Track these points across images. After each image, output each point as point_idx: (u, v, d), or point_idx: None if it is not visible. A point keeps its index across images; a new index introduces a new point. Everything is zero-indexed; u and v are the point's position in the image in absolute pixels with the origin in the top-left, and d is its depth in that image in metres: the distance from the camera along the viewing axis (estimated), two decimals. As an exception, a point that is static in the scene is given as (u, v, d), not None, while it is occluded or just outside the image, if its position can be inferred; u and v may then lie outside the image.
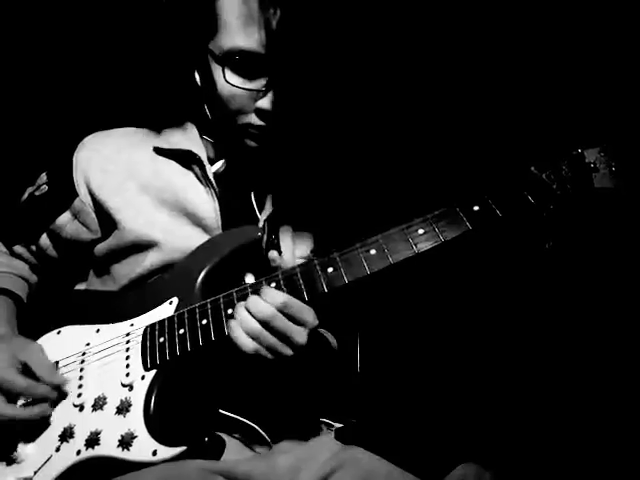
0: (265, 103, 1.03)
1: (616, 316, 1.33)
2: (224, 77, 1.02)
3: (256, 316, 0.89)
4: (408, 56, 1.56)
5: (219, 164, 1.19)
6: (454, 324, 1.55)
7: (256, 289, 0.96)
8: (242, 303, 0.92)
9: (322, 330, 1.22)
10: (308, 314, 0.91)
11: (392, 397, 1.52)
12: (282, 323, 0.89)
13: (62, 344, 1.08)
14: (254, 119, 1.06)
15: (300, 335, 0.90)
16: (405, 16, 1.53)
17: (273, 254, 1.03)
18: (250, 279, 1.10)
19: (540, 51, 1.42)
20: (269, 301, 0.89)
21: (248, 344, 0.89)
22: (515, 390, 1.42)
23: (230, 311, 0.96)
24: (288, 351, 0.90)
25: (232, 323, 0.91)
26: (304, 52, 1.00)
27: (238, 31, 0.99)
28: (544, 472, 1.23)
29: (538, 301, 1.43)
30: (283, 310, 0.89)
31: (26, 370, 0.99)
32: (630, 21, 1.29)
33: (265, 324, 0.88)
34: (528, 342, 1.44)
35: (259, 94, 1.03)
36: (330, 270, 0.95)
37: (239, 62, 1.01)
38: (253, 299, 0.90)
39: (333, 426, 1.11)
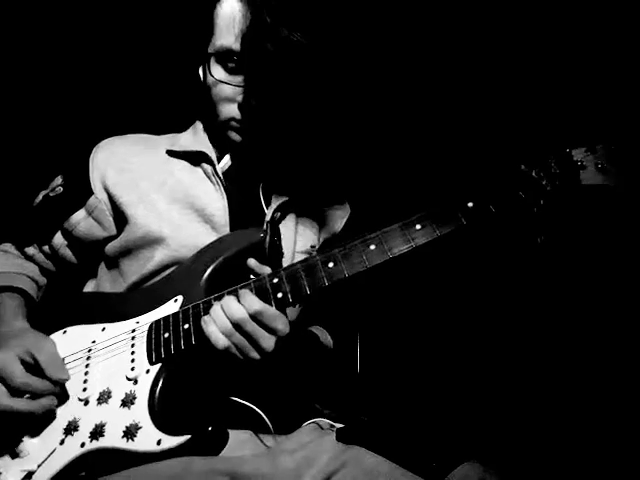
0: (244, 98, 1.13)
1: (609, 309, 1.35)
2: (210, 71, 1.15)
3: (229, 317, 0.94)
4: (398, 53, 1.63)
5: (226, 159, 1.25)
6: (453, 322, 1.56)
7: (258, 286, 1.00)
8: (219, 302, 0.96)
9: (315, 327, 1.24)
10: (279, 322, 0.95)
11: (393, 397, 1.52)
12: (252, 327, 0.93)
13: (68, 342, 1.09)
14: (236, 112, 1.16)
15: (268, 341, 0.94)
16: (388, 13, 1.61)
17: (251, 262, 1.08)
18: None
19: (528, 54, 1.49)
20: (244, 305, 0.94)
21: (219, 340, 0.94)
22: (516, 390, 1.42)
23: None
24: (255, 355, 0.94)
25: (206, 318, 0.96)
26: (278, 52, 1.08)
27: (223, 31, 1.13)
28: (546, 471, 1.23)
29: (532, 295, 1.46)
30: (255, 317, 0.93)
31: (36, 364, 1.01)
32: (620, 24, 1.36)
33: (236, 325, 0.93)
34: (526, 338, 1.45)
35: (240, 89, 1.13)
36: (331, 265, 0.98)
37: (223, 59, 1.14)
38: (227, 300, 0.95)
39: (334, 426, 1.12)
